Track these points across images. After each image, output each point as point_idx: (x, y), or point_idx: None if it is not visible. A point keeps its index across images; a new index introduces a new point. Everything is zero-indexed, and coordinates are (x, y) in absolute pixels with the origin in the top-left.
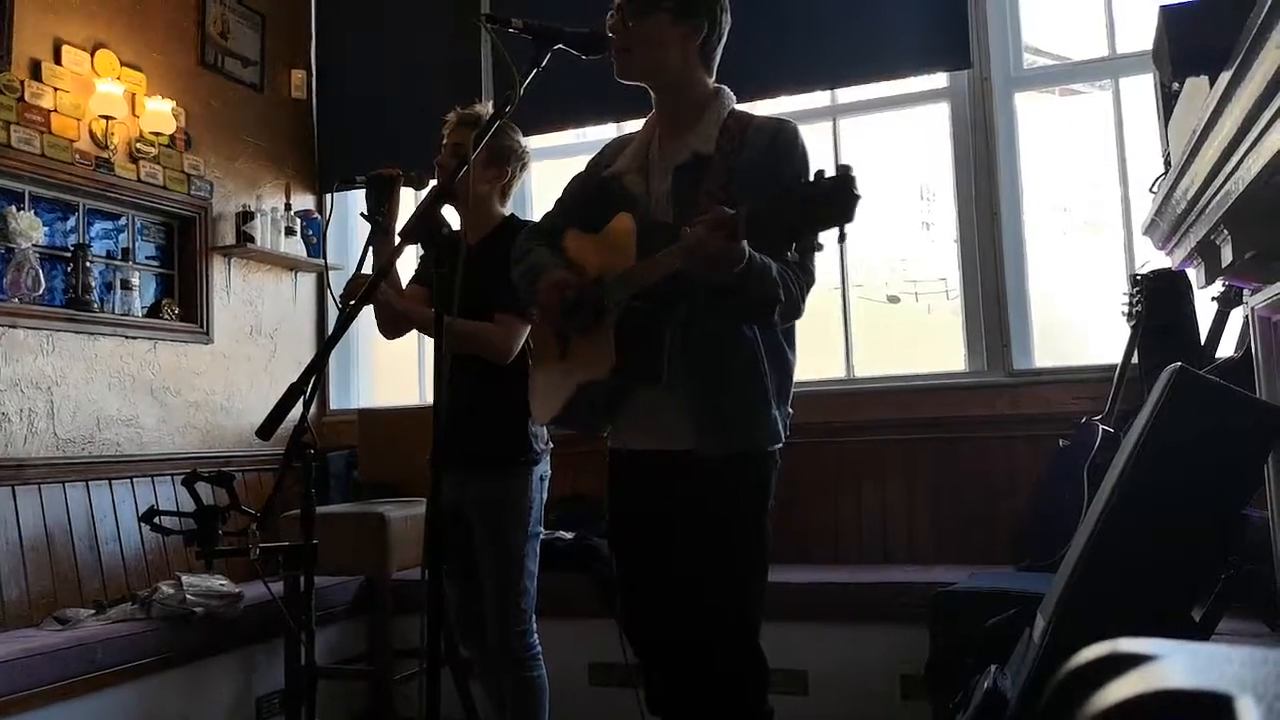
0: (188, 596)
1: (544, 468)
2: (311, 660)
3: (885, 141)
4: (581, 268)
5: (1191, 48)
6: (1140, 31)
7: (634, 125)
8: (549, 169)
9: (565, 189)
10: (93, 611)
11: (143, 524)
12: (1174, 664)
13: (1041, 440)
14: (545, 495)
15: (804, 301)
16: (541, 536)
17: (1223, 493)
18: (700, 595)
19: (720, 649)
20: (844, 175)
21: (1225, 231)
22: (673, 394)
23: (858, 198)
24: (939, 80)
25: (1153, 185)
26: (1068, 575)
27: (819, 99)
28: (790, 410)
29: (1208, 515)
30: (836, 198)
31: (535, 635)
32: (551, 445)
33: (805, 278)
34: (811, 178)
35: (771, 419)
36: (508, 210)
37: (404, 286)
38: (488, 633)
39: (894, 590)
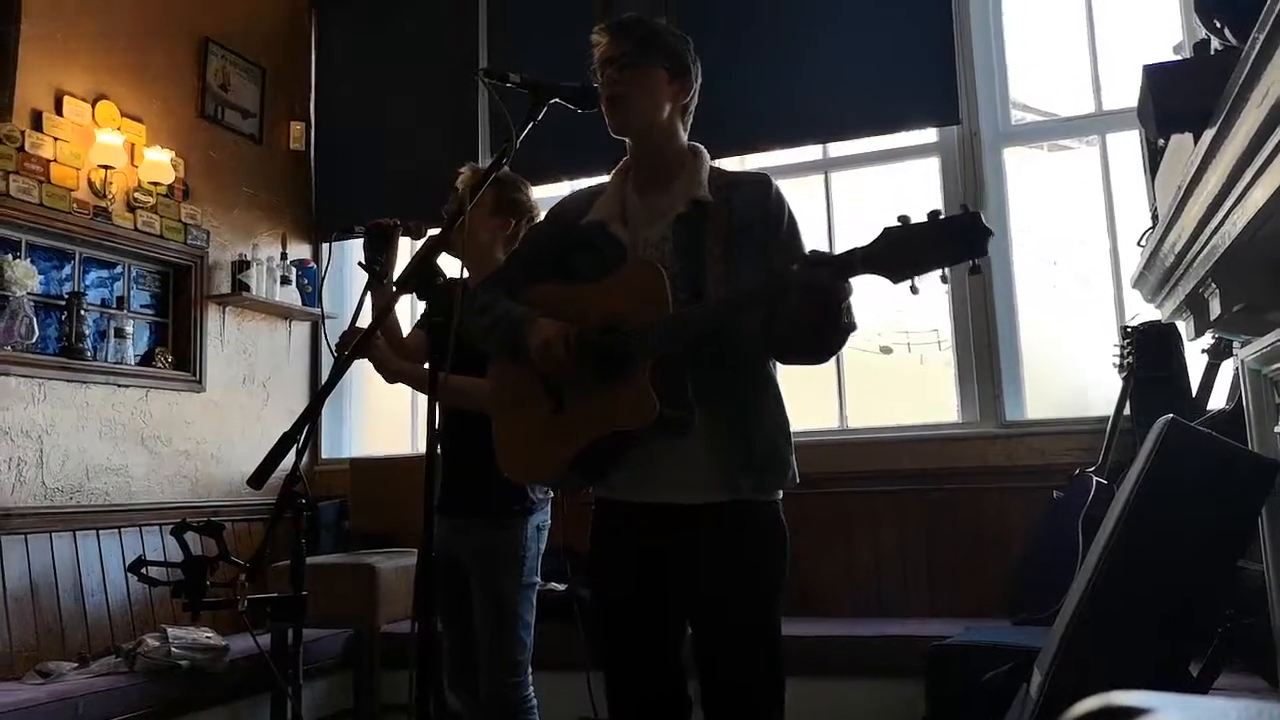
0: (173, 649)
1: (542, 517)
2: (298, 716)
3: (876, 195)
4: (579, 317)
5: (1175, 106)
6: (1126, 89)
7: (593, 184)
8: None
9: (524, 243)
10: (75, 664)
11: (129, 574)
12: (1169, 717)
13: (1035, 492)
14: (543, 545)
15: None
16: (538, 587)
17: (1217, 545)
18: (733, 644)
19: (757, 699)
20: (972, 213)
21: (1213, 285)
22: (694, 440)
23: (990, 232)
24: (929, 135)
25: (1141, 239)
26: (1063, 629)
27: (811, 152)
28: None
29: (1203, 568)
30: (971, 233)
31: (530, 688)
32: (551, 495)
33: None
34: (928, 217)
35: (791, 462)
36: None
37: (405, 334)
38: (480, 683)
39: (889, 644)
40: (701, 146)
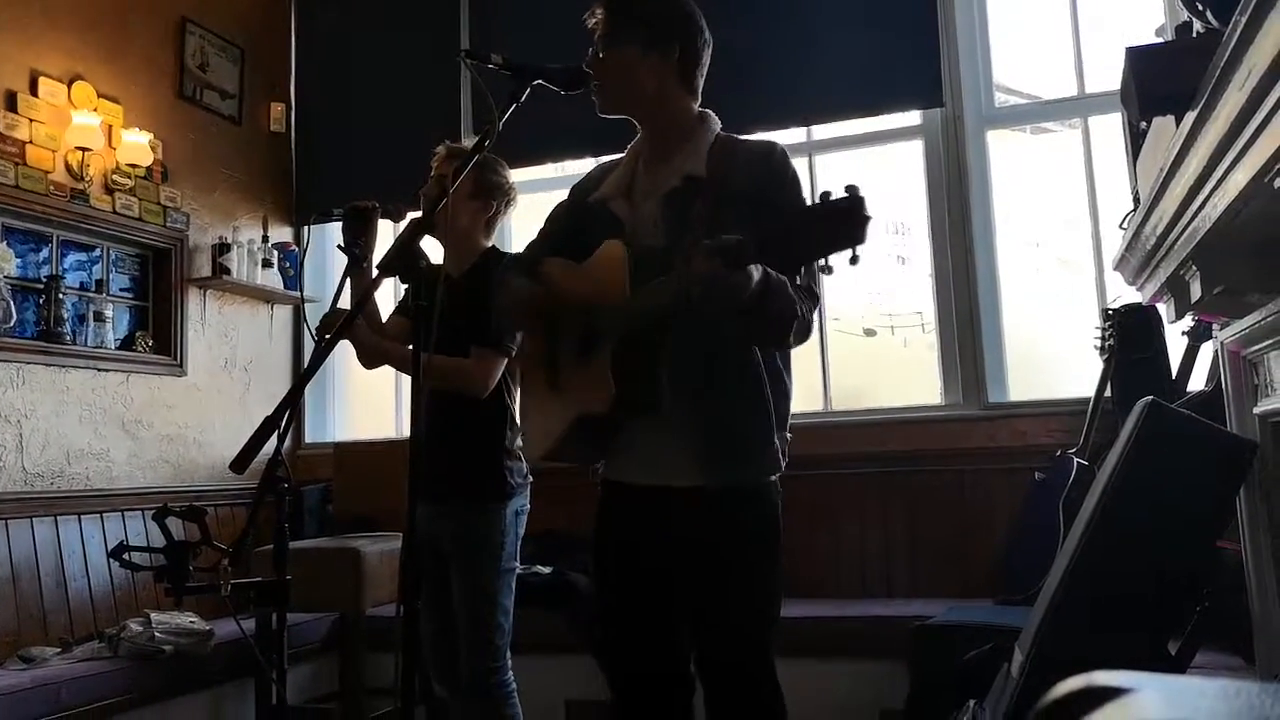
0: (156, 634)
1: (521, 501)
2: (283, 700)
3: (860, 177)
4: (567, 298)
5: (1157, 89)
6: (1108, 72)
7: (613, 158)
8: (527, 203)
9: (549, 218)
10: (58, 650)
11: (112, 560)
12: (1148, 697)
13: (1017, 473)
14: (522, 530)
15: (812, 323)
16: (518, 571)
17: (1196, 526)
18: (711, 629)
19: (738, 686)
20: (854, 197)
21: (1194, 267)
22: (673, 424)
23: (869, 219)
24: (913, 118)
25: (1122, 222)
26: (1044, 609)
27: (795, 135)
28: (788, 435)
29: (1182, 548)
30: (849, 220)
31: (510, 673)
32: (530, 479)
33: (811, 299)
34: (819, 200)
35: (774, 447)
36: (490, 243)
37: (385, 318)
38: (460, 669)
39: (873, 624)
40: (711, 113)
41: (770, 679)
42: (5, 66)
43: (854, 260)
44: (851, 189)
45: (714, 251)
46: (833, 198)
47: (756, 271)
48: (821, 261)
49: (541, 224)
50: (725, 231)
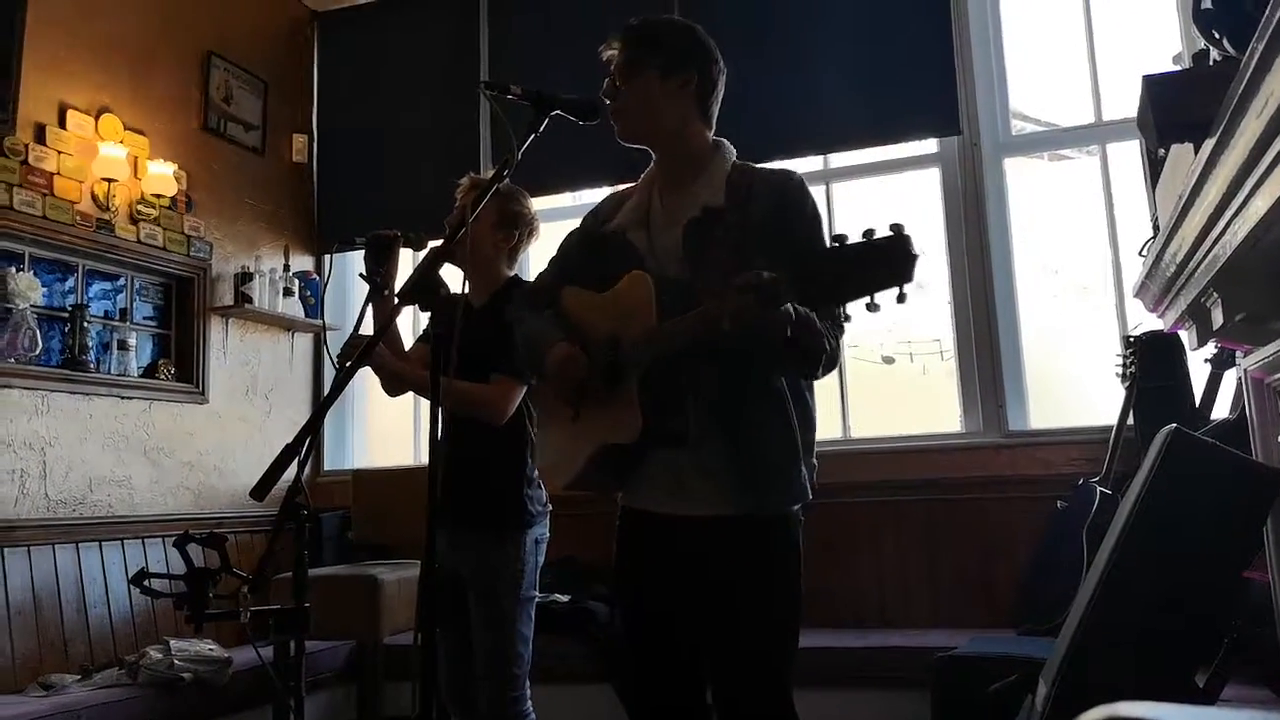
0: (175, 662)
1: (540, 530)
2: None
3: (877, 205)
4: (588, 328)
5: (1175, 116)
6: (1125, 98)
7: (625, 187)
8: (543, 231)
9: (561, 247)
10: (78, 677)
11: (132, 587)
12: None
13: (1039, 501)
14: (542, 558)
15: (839, 353)
16: (537, 600)
17: (1222, 555)
18: (730, 660)
19: (754, 715)
20: (900, 235)
21: (1215, 294)
22: (697, 454)
23: (916, 257)
24: (930, 145)
25: (1142, 249)
26: (1069, 640)
27: (812, 163)
28: (815, 462)
29: (1208, 578)
30: (894, 258)
31: (529, 703)
32: (550, 507)
33: (837, 328)
34: (863, 237)
35: (801, 474)
36: (513, 273)
37: (408, 346)
38: (479, 698)
39: (894, 655)
40: (726, 142)
41: (787, 714)
42: (35, 99)
43: (901, 298)
44: (896, 227)
45: (748, 288)
46: (876, 235)
47: (791, 308)
48: (869, 299)
49: (553, 252)
50: (748, 263)
